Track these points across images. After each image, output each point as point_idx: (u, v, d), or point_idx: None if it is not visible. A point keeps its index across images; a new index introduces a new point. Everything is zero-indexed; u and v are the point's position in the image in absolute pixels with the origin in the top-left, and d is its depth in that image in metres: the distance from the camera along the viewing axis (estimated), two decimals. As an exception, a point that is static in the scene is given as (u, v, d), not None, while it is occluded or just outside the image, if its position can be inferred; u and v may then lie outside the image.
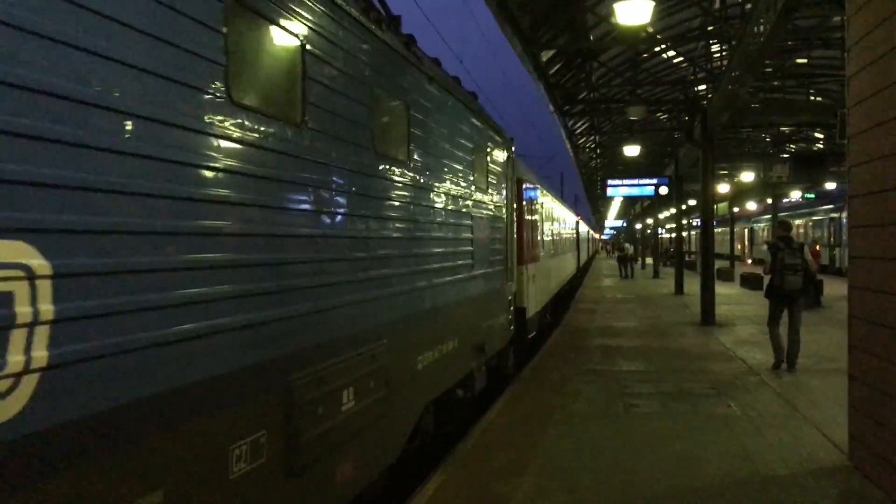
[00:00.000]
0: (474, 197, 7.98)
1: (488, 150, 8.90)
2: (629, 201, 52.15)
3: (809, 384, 9.51)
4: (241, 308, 3.35)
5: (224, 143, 3.24)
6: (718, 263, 23.14)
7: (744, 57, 11.50)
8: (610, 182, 25.29)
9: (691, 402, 8.50)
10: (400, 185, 5.60)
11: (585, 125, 24.51)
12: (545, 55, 14.06)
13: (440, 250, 6.65)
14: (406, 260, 5.72)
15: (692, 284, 25.46)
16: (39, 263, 2.24)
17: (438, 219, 6.60)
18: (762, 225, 51.53)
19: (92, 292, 2.45)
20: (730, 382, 9.68)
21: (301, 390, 3.93)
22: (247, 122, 3.43)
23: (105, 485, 2.48)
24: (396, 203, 5.52)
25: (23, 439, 2.16)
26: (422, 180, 6.11)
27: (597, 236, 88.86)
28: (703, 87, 18.82)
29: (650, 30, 13.75)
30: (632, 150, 19.41)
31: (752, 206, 50.03)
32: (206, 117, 3.10)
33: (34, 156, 2.24)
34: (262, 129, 3.56)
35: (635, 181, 24.93)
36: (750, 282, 25.91)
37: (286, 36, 3.87)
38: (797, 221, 41.75)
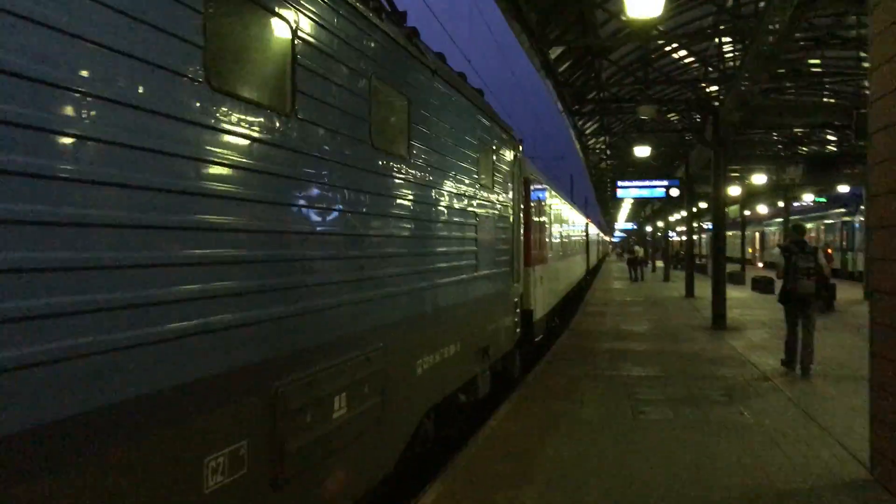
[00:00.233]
0: (479, 196, 7.73)
1: (494, 148, 8.65)
2: (639, 204, 51.75)
3: (824, 391, 9.20)
4: (218, 308, 3.11)
5: (200, 131, 3.00)
6: (729, 267, 22.81)
7: (758, 55, 11.22)
8: (620, 183, 24.96)
9: (702, 409, 8.22)
10: (399, 181, 5.36)
11: (595, 125, 24.22)
12: (553, 52, 13.79)
13: (442, 250, 6.40)
14: (405, 259, 5.48)
15: (703, 288, 25.15)
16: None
17: (441, 217, 6.35)
18: (773, 228, 51.07)
19: (38, 291, 2.21)
20: (742, 388, 9.38)
21: (288, 396, 3.69)
22: (227, 110, 3.19)
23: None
24: (395, 200, 5.27)
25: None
26: (423, 177, 5.86)
27: (607, 239, 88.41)
28: (715, 87, 18.51)
29: (661, 28, 13.47)
30: (642, 151, 19.11)
31: (763, 209, 49.56)
32: (179, 102, 2.87)
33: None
34: (245, 117, 3.32)
35: (646, 183, 24.60)
36: (762, 285, 25.55)
37: (274, 18, 3.63)
38: (809, 225, 41.29)
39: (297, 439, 3.78)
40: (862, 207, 34.28)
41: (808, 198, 42.00)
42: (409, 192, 5.56)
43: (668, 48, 16.53)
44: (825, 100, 20.09)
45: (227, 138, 3.19)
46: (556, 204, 17.42)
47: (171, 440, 2.80)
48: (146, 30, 2.69)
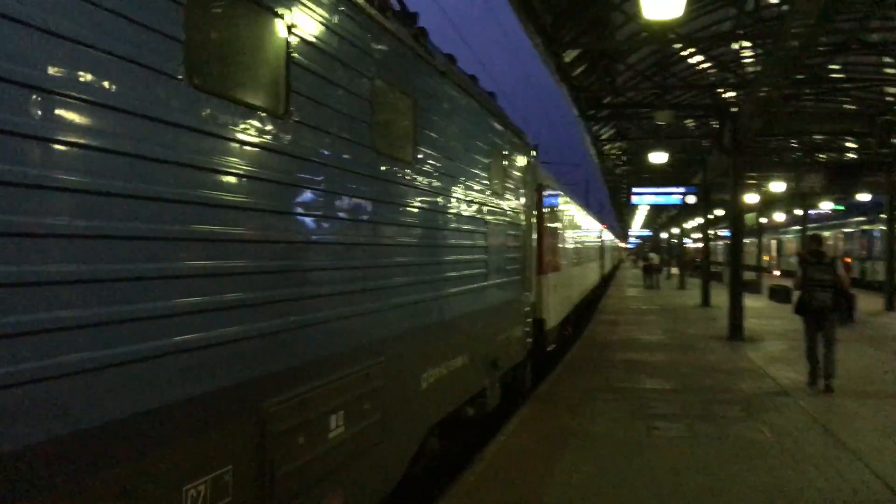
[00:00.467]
0: (490, 202, 7.46)
1: (506, 153, 8.39)
2: (655, 211, 51.29)
3: (847, 407, 8.86)
4: (199, 324, 2.87)
5: (180, 133, 2.76)
6: (746, 275, 22.38)
7: (780, 60, 10.89)
8: (635, 190, 24.59)
9: (720, 426, 7.90)
10: (404, 187, 5.10)
11: (611, 131, 23.89)
12: (568, 56, 13.50)
13: (450, 258, 6.14)
14: (410, 269, 5.22)
15: (719, 296, 24.73)
16: None
17: (448, 225, 6.10)
18: (790, 236, 50.44)
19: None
20: (761, 404, 9.05)
21: (278, 417, 3.44)
22: (211, 110, 2.95)
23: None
24: (399, 207, 5.02)
25: None
26: (430, 183, 5.61)
27: (621, 245, 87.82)
28: (733, 93, 18.15)
29: (678, 32, 13.16)
30: (658, 158, 18.76)
31: (779, 216, 48.94)
32: (155, 102, 2.63)
33: None
34: (231, 118, 3.08)
35: (662, 190, 24.23)
36: (779, 295, 25.11)
37: (266, 12, 3.39)
38: (826, 233, 40.66)
39: (288, 463, 3.53)
40: (883, 216, 33.76)
41: (825, 206, 41.40)
42: (415, 198, 5.30)
43: (685, 53, 16.19)
44: (845, 106, 19.68)
45: (211, 141, 2.95)
46: (570, 210, 17.12)
47: (144, 468, 2.56)
48: (118, 21, 2.45)
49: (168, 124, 2.70)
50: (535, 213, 10.75)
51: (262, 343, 3.31)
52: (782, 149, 28.88)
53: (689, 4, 8.73)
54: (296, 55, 3.60)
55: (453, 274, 6.24)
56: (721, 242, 54.36)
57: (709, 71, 18.53)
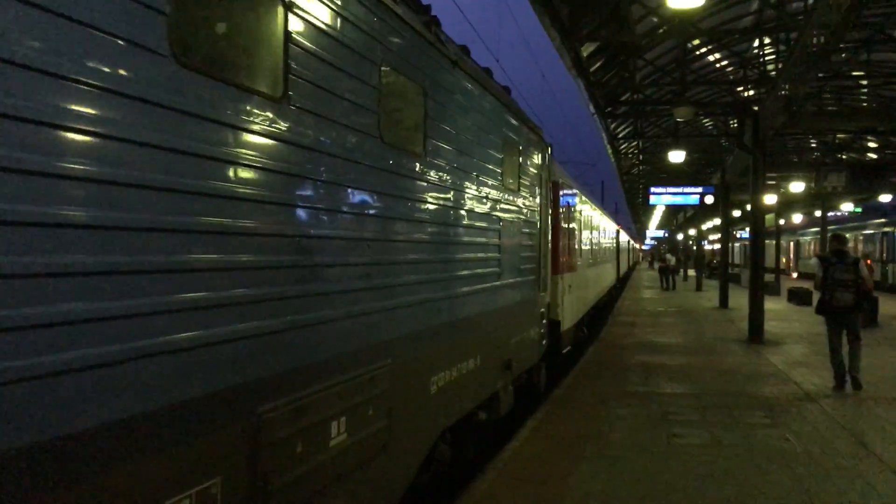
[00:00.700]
0: (504, 199, 7.18)
1: (521, 148, 8.10)
2: (671, 211, 50.78)
3: (874, 413, 8.50)
4: (187, 324, 2.62)
5: (164, 115, 2.51)
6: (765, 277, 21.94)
7: (805, 56, 10.55)
8: (653, 190, 24.18)
9: (743, 433, 7.57)
10: (414, 181, 4.84)
11: (628, 129, 23.53)
12: (586, 50, 13.19)
13: (462, 256, 5.87)
14: (419, 266, 4.96)
15: (736, 298, 24.34)
16: None
17: (460, 222, 5.82)
18: (808, 238, 49.77)
19: None
20: (785, 410, 8.71)
21: (273, 424, 3.18)
22: (199, 91, 2.70)
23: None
24: (408, 201, 4.76)
25: None
26: (441, 177, 5.34)
27: (637, 246, 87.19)
28: (753, 91, 17.77)
29: (699, 26, 12.82)
30: (677, 157, 18.39)
31: (797, 217, 48.30)
32: (135, 80, 2.38)
33: None
34: (222, 100, 2.83)
35: (679, 189, 23.83)
36: (798, 297, 24.65)
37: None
38: (846, 235, 40.01)
39: (283, 473, 3.28)
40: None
41: (844, 207, 40.75)
42: (425, 193, 5.04)
43: (705, 49, 15.83)
44: (866, 103, 19.23)
45: (200, 124, 2.70)
46: (586, 209, 16.80)
47: (120, 481, 2.31)
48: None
49: (150, 104, 2.45)
50: (550, 211, 10.45)
51: (255, 344, 3.06)
52: (802, 148, 28.43)
53: (711, -3, 8.40)
54: (295, 34, 3.34)
55: (465, 273, 5.97)
56: (738, 244, 53.77)
57: (728, 69, 18.16)
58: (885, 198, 30.23)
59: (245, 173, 2.98)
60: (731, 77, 18.25)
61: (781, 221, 42.11)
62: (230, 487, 2.89)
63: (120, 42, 2.33)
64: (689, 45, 15.36)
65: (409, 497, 5.12)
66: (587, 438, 7.36)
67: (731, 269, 37.00)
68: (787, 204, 36.24)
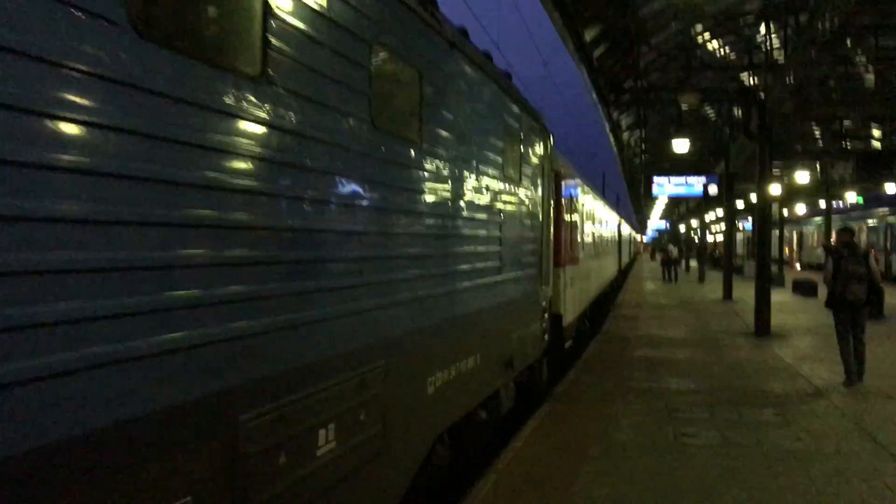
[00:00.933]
0: (505, 190, 6.88)
1: (522, 137, 7.79)
2: (673, 202, 50.43)
3: (888, 410, 8.22)
4: (150, 328, 2.33)
5: (120, 92, 2.22)
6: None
7: (814, 39, 10.22)
8: (656, 180, 23.83)
9: (754, 432, 7.28)
10: (409, 169, 4.54)
11: (631, 118, 23.17)
12: (589, 34, 12.84)
13: (461, 249, 5.57)
14: (415, 261, 4.66)
15: (740, 290, 24.04)
16: None
17: (460, 213, 5.52)
18: (811, 228, 49.43)
19: None
20: (796, 407, 8.42)
21: (252, 435, 2.90)
22: (162, 67, 2.40)
23: None
24: (404, 191, 4.46)
25: None
26: (438, 166, 5.04)
27: (638, 238, 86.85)
28: (758, 78, 17.40)
29: (705, 10, 12.48)
30: (681, 146, 18.03)
31: (800, 208, 47.95)
32: (86, 51, 2.09)
33: None
34: (190, 78, 2.53)
35: (682, 179, 23.47)
36: (803, 288, 24.37)
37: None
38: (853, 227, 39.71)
39: (265, 488, 2.99)
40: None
41: (849, 196, 40.41)
42: (421, 182, 4.74)
43: (710, 34, 15.47)
44: (875, 91, 18.84)
45: (161, 104, 2.40)
46: (589, 201, 16.48)
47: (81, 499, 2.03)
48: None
49: (104, 80, 2.15)
50: (552, 202, 10.14)
51: (232, 348, 2.77)
52: (806, 136, 28.07)
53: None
54: (274, 6, 3.03)
55: (464, 267, 5.68)
56: (740, 234, 53.43)
57: (735, 57, 17.82)
58: (890, 187, 29.87)
59: (218, 160, 2.68)
60: (737, 63, 17.88)
61: (784, 212, 41.79)
62: (202, 507, 2.61)
63: (71, 10, 2.03)
64: (694, 31, 15.01)
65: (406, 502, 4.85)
66: (591, 438, 7.08)
67: (735, 260, 36.72)
68: (791, 194, 35.93)
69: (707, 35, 15.81)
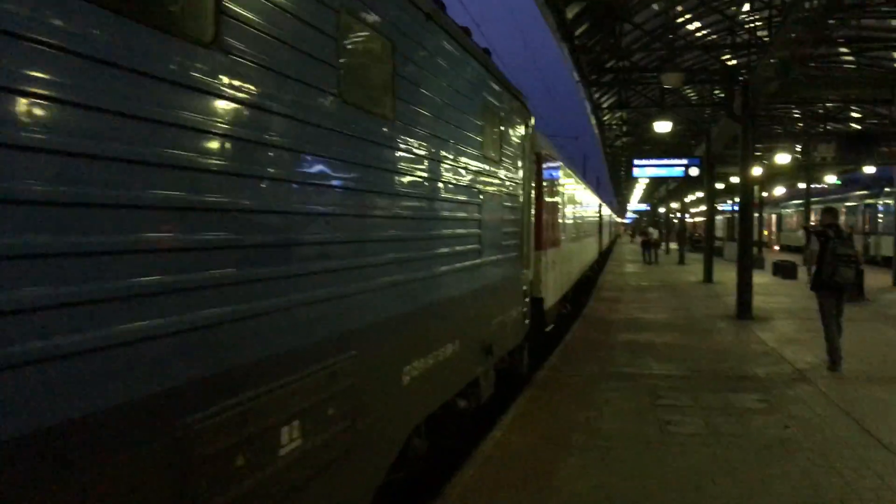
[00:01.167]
0: (484, 170, 6.61)
1: (503, 116, 7.51)
2: (654, 184, 50.40)
3: (875, 395, 8.10)
4: (84, 321, 2.06)
5: (56, 57, 1.93)
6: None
7: (798, 20, 10.01)
8: (636, 162, 23.64)
9: (740, 419, 7.12)
10: (381, 147, 4.26)
11: (613, 99, 22.93)
12: (570, 11, 12.55)
13: (438, 232, 5.31)
14: (389, 245, 4.39)
15: (721, 272, 24.03)
16: None
17: (437, 194, 5.26)
18: (790, 210, 49.69)
19: None
20: (781, 393, 8.28)
21: (206, 436, 2.64)
22: (101, 28, 2.10)
23: None
24: (376, 171, 4.18)
25: None
26: (414, 144, 4.76)
27: (619, 220, 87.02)
28: (743, 59, 17.21)
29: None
30: (663, 127, 17.84)
31: (779, 190, 48.14)
32: (22, 13, 1.79)
33: None
34: (133, 42, 2.24)
35: (664, 161, 23.30)
36: (784, 270, 24.36)
37: None
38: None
39: (221, 494, 2.74)
40: (888, 189, 32.92)
41: (830, 179, 40.58)
42: (395, 162, 4.46)
43: (693, 14, 15.23)
44: (862, 71, 18.73)
45: (102, 70, 2.11)
46: (570, 183, 16.26)
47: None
48: None
49: (24, 40, 1.86)
50: (533, 184, 9.89)
51: (181, 342, 2.50)
52: (787, 118, 28.01)
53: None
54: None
55: (442, 251, 5.42)
56: (720, 216, 53.62)
57: (718, 36, 17.59)
58: (869, 169, 29.95)
59: (163, 134, 2.39)
60: (722, 44, 17.66)
61: (764, 194, 41.87)
62: (148, 519, 2.35)
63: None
64: (678, 9, 14.76)
65: (380, 498, 4.61)
66: (574, 427, 6.88)
67: (715, 242, 36.78)
68: (771, 176, 35.99)
69: (689, 15, 15.55)
